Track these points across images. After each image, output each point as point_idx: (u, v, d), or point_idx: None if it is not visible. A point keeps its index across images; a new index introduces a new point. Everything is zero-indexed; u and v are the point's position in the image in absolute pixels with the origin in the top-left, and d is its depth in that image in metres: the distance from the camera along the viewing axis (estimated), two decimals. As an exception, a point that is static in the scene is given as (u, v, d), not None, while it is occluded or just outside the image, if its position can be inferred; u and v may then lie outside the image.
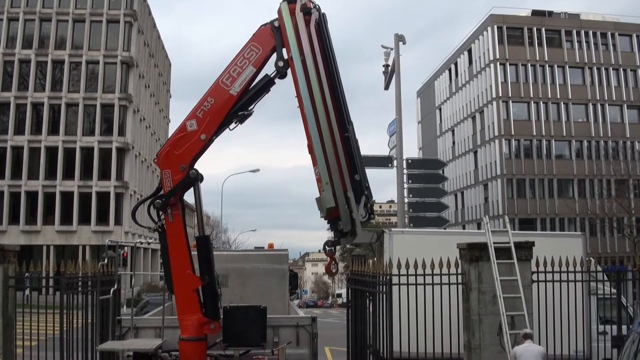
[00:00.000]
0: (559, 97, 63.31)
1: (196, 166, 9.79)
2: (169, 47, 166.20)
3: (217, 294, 9.77)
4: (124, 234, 57.92)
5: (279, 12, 9.63)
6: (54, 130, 59.53)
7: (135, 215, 10.80)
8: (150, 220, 9.82)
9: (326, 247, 9.58)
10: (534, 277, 11.17)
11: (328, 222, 9.58)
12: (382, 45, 23.19)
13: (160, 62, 78.50)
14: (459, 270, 11.12)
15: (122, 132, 60.69)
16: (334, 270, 9.97)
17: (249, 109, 9.83)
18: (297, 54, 9.37)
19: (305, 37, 9.39)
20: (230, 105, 9.64)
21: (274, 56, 9.65)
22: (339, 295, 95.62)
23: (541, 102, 63.28)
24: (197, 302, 9.58)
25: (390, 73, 22.44)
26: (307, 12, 9.52)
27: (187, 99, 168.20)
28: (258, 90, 9.77)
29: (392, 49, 22.47)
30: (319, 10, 9.66)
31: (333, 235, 9.59)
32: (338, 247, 10.13)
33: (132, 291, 17.98)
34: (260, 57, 9.62)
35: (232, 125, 9.89)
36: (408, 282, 10.94)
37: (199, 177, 9.74)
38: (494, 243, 10.85)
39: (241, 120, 9.87)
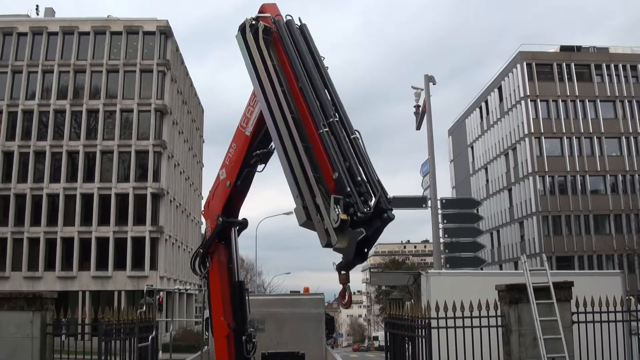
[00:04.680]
0: (591, 131, 62.70)
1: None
2: (203, 94, 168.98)
3: (243, 341, 9.62)
4: (159, 279, 58.14)
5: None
6: (89, 177, 60.40)
7: (194, 266, 10.16)
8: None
9: (339, 271, 8.25)
10: (574, 317, 10.96)
11: None
12: (412, 86, 23.38)
13: (193, 108, 79.63)
14: (499, 312, 10.95)
15: (156, 178, 61.38)
16: (343, 301, 8.46)
17: (269, 147, 9.39)
18: (252, 73, 8.85)
19: (256, 55, 8.76)
20: (246, 146, 9.42)
21: None
22: (375, 338, 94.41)
23: (574, 137, 62.74)
24: (226, 348, 9.57)
25: (422, 113, 22.51)
26: (255, 32, 8.84)
27: (220, 144, 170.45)
28: None
29: (422, 90, 22.58)
30: (276, 21, 8.98)
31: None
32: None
33: (169, 336, 18.07)
34: None
35: (260, 167, 9.63)
36: (447, 325, 10.77)
37: (234, 224, 9.79)
38: (532, 283, 10.69)
39: (263, 159, 9.51)
